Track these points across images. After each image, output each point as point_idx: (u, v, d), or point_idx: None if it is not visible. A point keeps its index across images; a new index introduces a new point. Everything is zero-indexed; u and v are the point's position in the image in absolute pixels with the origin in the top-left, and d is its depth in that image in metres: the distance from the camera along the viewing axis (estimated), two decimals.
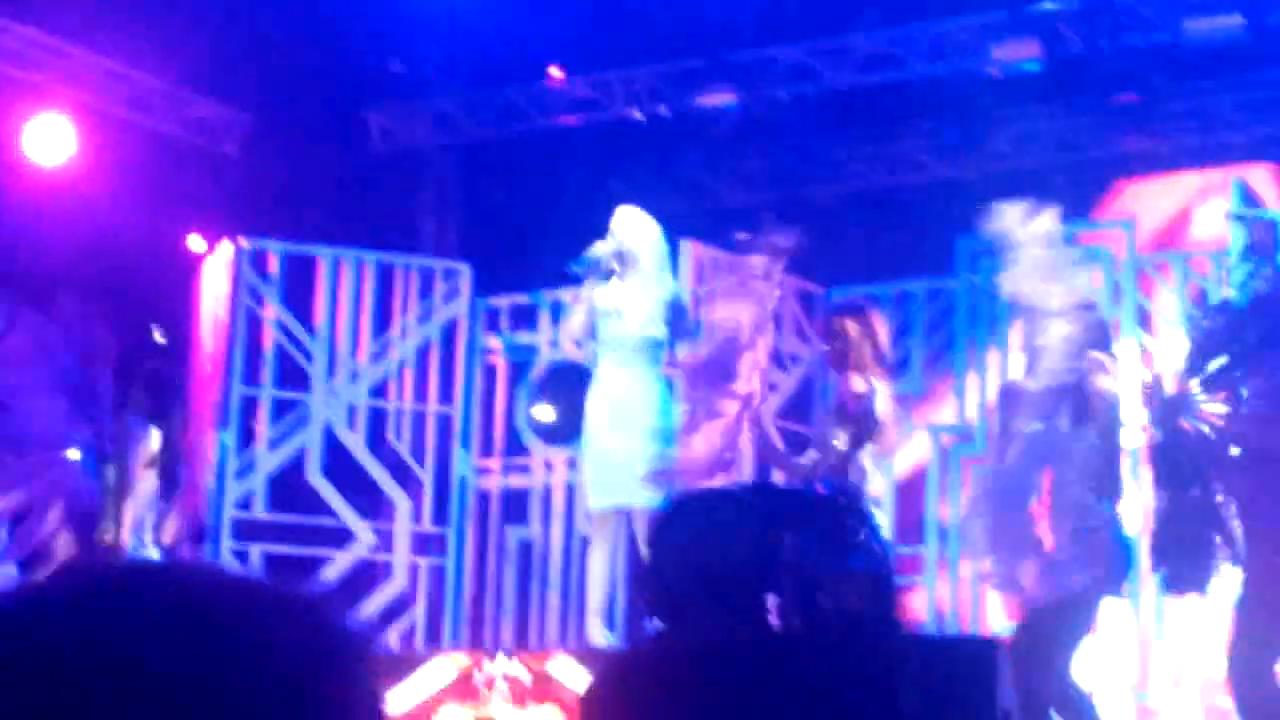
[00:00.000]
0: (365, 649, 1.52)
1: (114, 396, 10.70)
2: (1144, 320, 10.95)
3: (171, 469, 7.51)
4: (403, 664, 9.58)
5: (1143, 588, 9.47)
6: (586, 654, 9.13)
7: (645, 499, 8.87)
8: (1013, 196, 11.99)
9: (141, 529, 7.51)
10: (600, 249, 9.55)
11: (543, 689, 8.66)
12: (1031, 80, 12.34)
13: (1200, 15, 11.49)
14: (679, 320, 9.55)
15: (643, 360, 9.40)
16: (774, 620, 3.65)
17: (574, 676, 8.64)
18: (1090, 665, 10.38)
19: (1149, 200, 12.50)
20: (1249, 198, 10.48)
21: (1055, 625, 7.51)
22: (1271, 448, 7.17)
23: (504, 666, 8.86)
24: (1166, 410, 7.39)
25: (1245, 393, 7.26)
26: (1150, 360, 10.05)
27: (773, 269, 9.69)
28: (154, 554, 7.68)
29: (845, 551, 3.96)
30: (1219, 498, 7.27)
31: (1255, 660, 7.18)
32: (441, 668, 8.97)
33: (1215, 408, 7.32)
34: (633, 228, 9.60)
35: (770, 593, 3.65)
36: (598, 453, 9.47)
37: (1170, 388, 7.54)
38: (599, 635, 9.70)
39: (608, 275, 9.45)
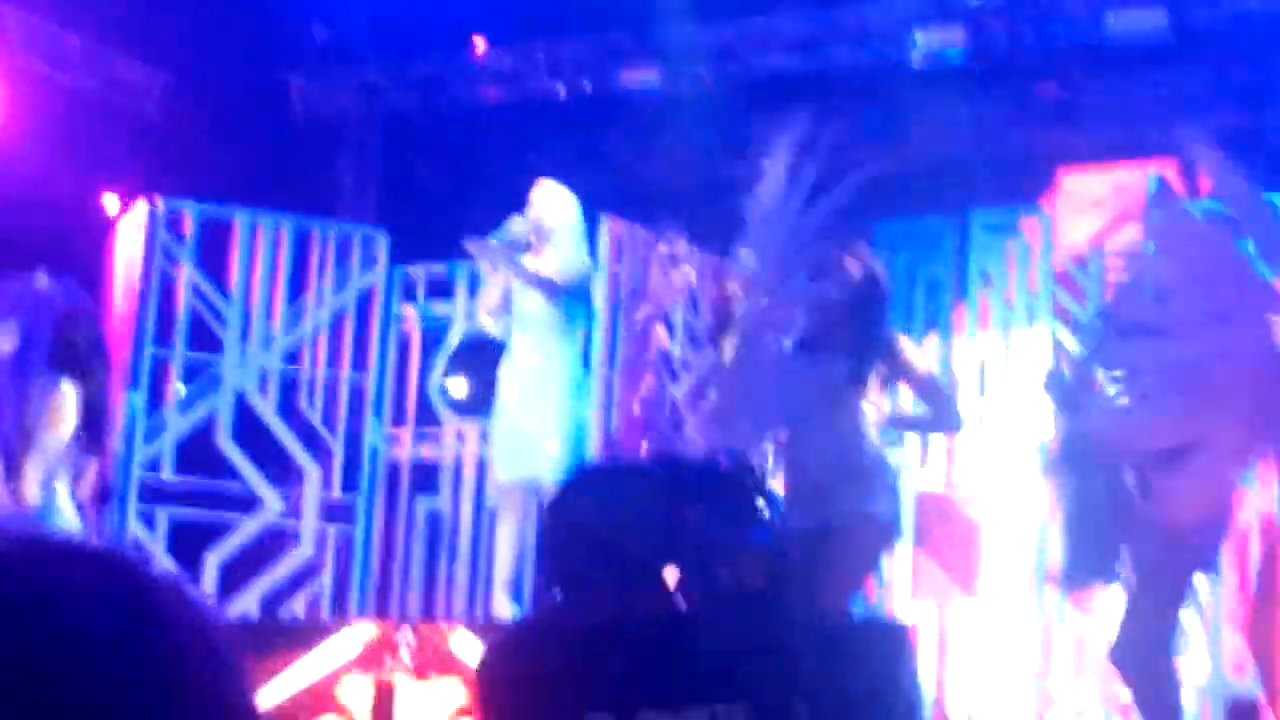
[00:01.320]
0: (225, 634, 1.48)
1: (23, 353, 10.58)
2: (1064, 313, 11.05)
3: (93, 425, 7.44)
4: (310, 633, 9.53)
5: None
6: (487, 627, 9.12)
7: (554, 473, 8.86)
8: (933, 184, 12.09)
9: (51, 485, 7.48)
10: (518, 223, 9.53)
11: (445, 661, 8.64)
12: (955, 70, 12.38)
13: (1124, 9, 11.56)
14: (581, 297, 9.56)
15: (555, 334, 9.39)
16: (674, 594, 3.65)
17: (474, 650, 8.64)
18: (992, 654, 10.46)
19: (1089, 192, 12.56)
20: (1167, 192, 10.54)
21: None
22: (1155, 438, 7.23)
23: (408, 637, 8.84)
24: (1068, 399, 7.43)
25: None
26: (1062, 352, 10.12)
27: (682, 254, 9.74)
28: (68, 510, 7.59)
29: (747, 526, 3.96)
30: (1127, 485, 7.31)
31: (1144, 646, 7.25)
32: (349, 638, 8.94)
33: (1118, 396, 7.37)
34: (551, 203, 9.59)
35: (670, 566, 3.64)
36: (508, 425, 9.47)
37: (1072, 376, 7.59)
38: (505, 608, 9.70)
39: (525, 248, 9.44)
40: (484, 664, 3.78)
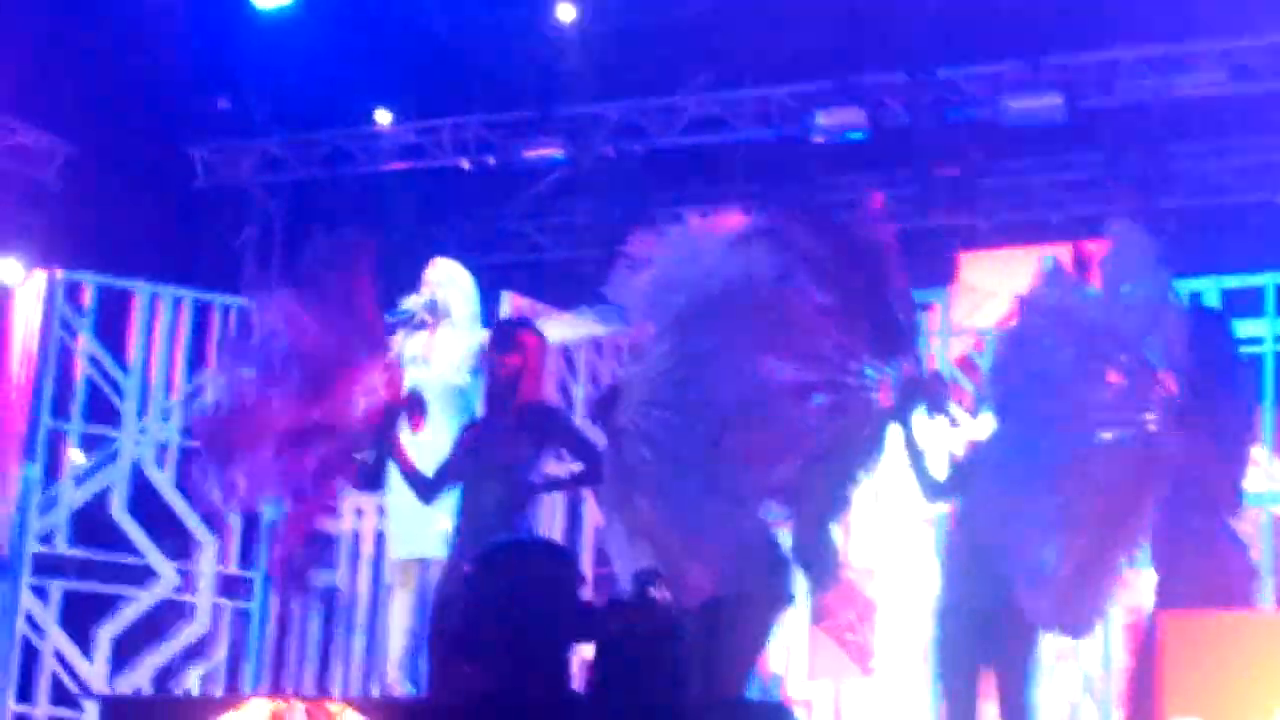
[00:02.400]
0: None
1: None
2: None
3: None
4: (203, 709, 9.45)
5: None
6: (379, 705, 9.07)
7: (442, 550, 8.84)
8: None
9: None
10: (412, 301, 9.53)
11: None
12: (856, 149, 12.50)
13: (1021, 94, 11.70)
14: (475, 374, 9.56)
15: (447, 409, 9.37)
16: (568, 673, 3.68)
17: None
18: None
19: (986, 275, 12.67)
20: (1060, 274, 10.63)
21: None
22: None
23: (298, 716, 8.77)
24: (957, 483, 7.50)
25: None
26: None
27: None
28: None
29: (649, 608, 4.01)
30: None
31: None
32: (242, 716, 8.86)
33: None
34: (446, 279, 9.59)
35: (569, 647, 3.69)
36: (401, 502, 9.43)
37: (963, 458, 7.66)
38: (399, 684, 9.64)
39: (420, 326, 9.43)
40: None
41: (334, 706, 8.85)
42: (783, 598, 7.56)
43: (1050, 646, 10.10)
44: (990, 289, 12.07)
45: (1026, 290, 7.55)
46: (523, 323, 8.48)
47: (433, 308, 9.45)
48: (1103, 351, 7.35)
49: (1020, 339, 7.55)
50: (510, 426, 7.82)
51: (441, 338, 9.44)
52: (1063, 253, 8.41)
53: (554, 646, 3.69)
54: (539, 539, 4.05)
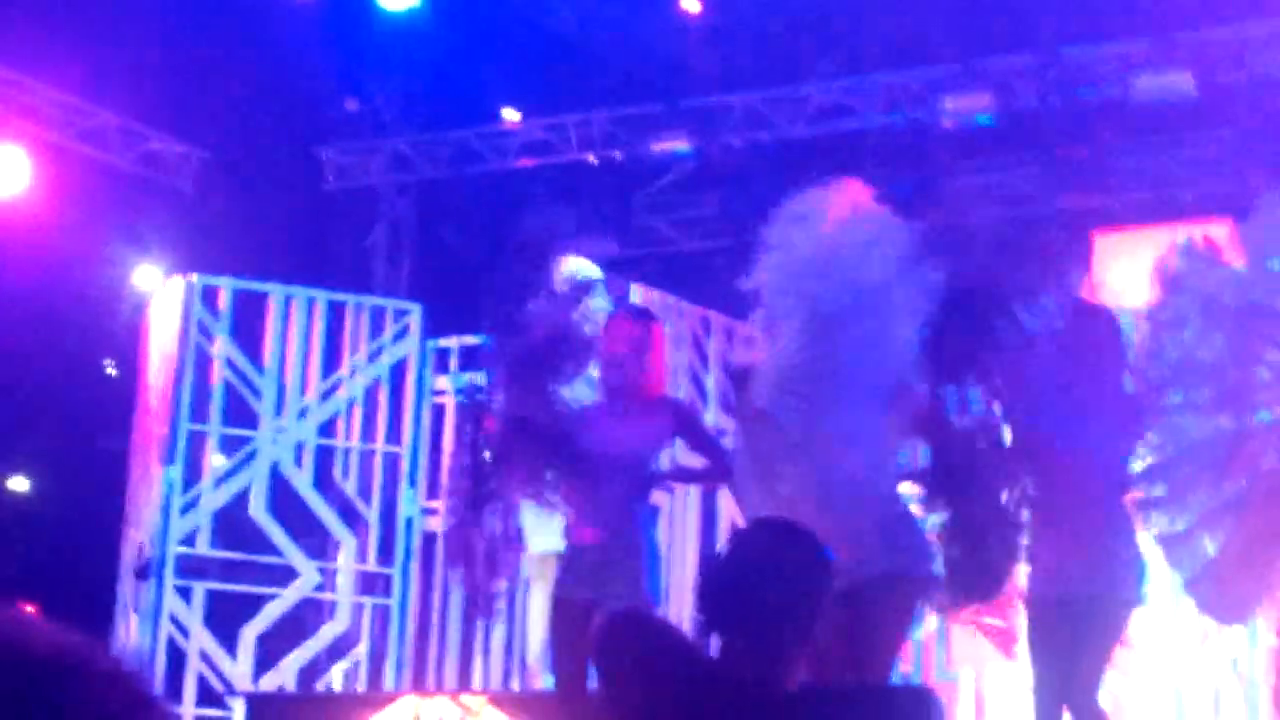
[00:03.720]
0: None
1: None
2: None
3: None
4: (347, 706, 9.56)
5: None
6: (521, 699, 9.13)
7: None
8: (963, 247, 12.08)
9: None
10: None
11: None
12: (984, 133, 12.41)
13: (1150, 72, 11.58)
14: None
15: None
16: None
17: None
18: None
19: (1129, 255, 12.53)
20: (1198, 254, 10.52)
21: None
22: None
23: (444, 710, 8.85)
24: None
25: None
26: None
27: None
28: None
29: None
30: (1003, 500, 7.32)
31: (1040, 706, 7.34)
32: (402, 713, 8.95)
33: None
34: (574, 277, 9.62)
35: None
36: None
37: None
38: (539, 679, 9.69)
39: None
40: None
41: (474, 701, 8.92)
42: (928, 581, 7.49)
43: (1196, 629, 10.04)
44: (1127, 271, 11.95)
45: (1167, 273, 7.45)
46: (637, 312, 8.48)
47: None
48: (1256, 330, 7.24)
49: (1167, 324, 7.45)
50: (633, 416, 7.82)
51: None
52: (1196, 233, 8.30)
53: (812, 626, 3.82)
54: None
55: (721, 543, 11.07)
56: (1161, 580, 8.94)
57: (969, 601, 7.61)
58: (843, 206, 7.26)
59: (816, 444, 7.05)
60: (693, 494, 11.30)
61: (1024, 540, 7.39)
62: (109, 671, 1.48)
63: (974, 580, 7.31)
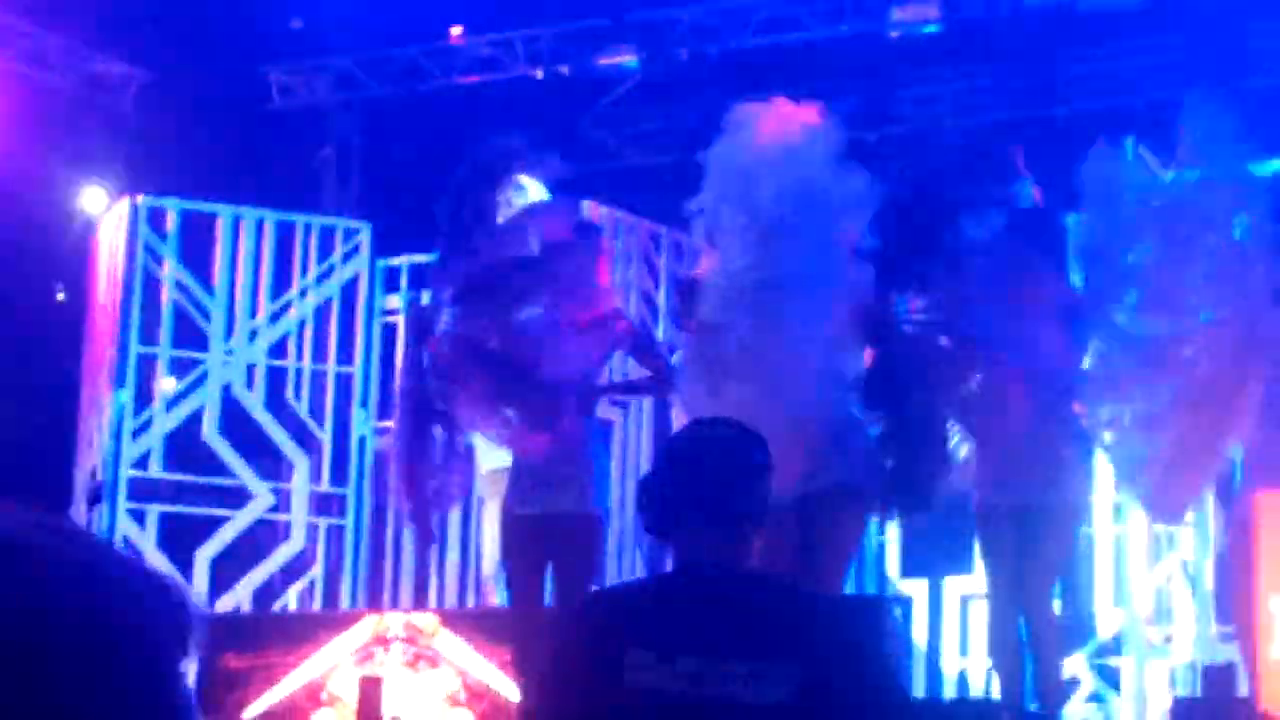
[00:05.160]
0: (189, 625, 1.53)
1: None
2: None
3: None
4: (302, 625, 9.57)
5: None
6: (476, 615, 9.16)
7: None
8: (912, 158, 12.08)
9: None
10: None
11: (434, 653, 8.68)
12: (931, 43, 12.38)
13: None
14: None
15: None
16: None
17: (460, 642, 8.68)
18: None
19: None
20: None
21: None
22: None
23: (398, 628, 8.87)
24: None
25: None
26: None
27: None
28: None
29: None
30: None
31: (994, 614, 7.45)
32: (345, 633, 8.97)
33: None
34: (522, 195, 9.60)
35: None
36: None
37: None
38: (494, 596, 9.71)
39: None
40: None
41: (427, 621, 8.94)
42: (876, 493, 7.51)
43: (1146, 532, 10.11)
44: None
45: (1099, 179, 7.47)
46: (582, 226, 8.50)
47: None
48: (1186, 234, 7.28)
49: (1098, 229, 7.47)
50: (578, 331, 7.83)
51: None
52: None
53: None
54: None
55: None
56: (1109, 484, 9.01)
57: (902, 513, 7.66)
58: (776, 118, 7.27)
59: (765, 354, 7.06)
60: (645, 409, 11.31)
61: (962, 451, 7.42)
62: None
63: (904, 491, 7.35)
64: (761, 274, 7.09)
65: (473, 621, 8.95)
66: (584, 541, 7.66)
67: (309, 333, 12.19)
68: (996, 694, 7.90)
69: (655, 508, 3.88)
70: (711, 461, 3.86)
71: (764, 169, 7.17)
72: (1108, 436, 7.45)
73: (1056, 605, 7.96)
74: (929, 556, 10.90)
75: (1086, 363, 7.51)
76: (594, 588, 7.52)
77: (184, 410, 11.85)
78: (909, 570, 11.10)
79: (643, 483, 4.10)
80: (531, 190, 9.46)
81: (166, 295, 11.85)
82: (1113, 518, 10.29)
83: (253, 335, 12.03)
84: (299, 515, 11.95)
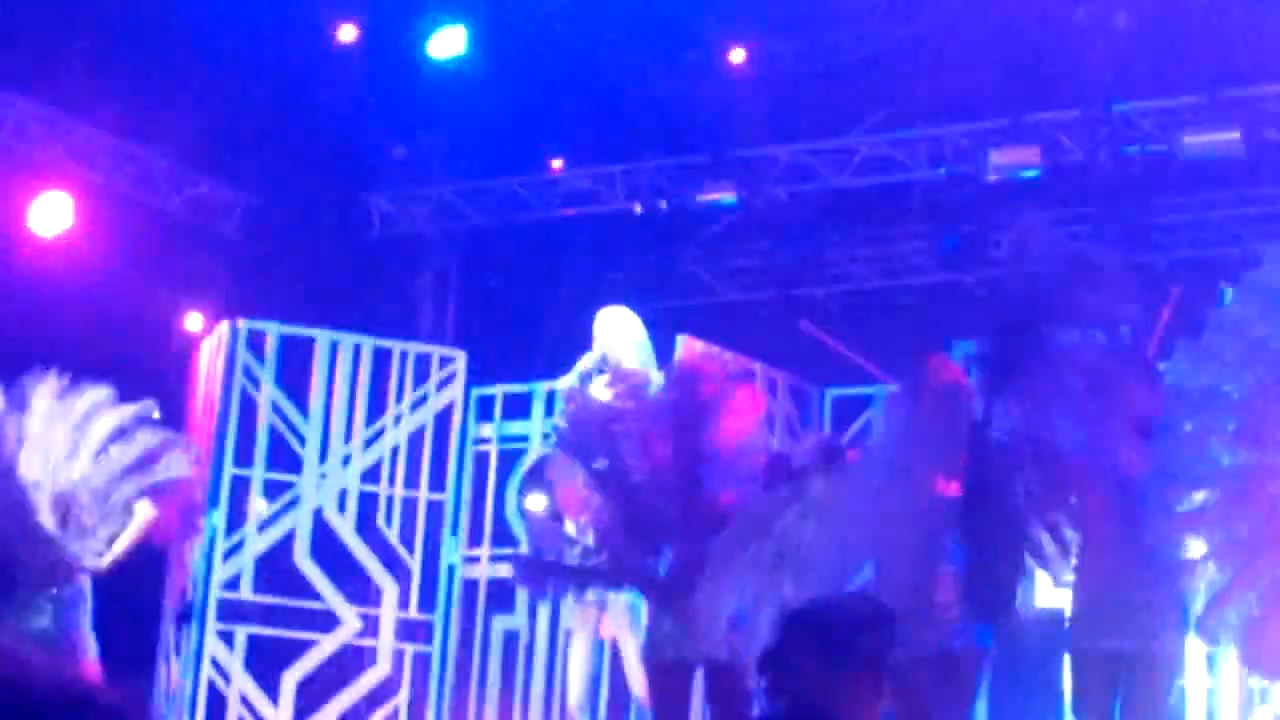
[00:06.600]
0: None
1: None
2: None
3: None
4: None
5: None
6: None
7: (619, 596, 8.90)
8: (1010, 300, 12.05)
9: None
10: (586, 361, 9.63)
11: None
12: (1030, 187, 12.38)
13: (1198, 130, 11.54)
14: None
15: None
16: None
17: None
18: None
19: None
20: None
21: None
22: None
23: None
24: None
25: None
26: None
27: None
28: None
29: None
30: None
31: None
32: None
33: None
34: (613, 330, 9.66)
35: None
36: None
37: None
38: None
39: (598, 376, 9.50)
40: None
41: None
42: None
43: (1241, 685, 9.96)
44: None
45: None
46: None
47: (604, 362, 9.50)
48: None
49: (1203, 354, 7.39)
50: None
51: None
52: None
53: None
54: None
55: None
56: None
57: (980, 613, 7.54)
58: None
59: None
60: None
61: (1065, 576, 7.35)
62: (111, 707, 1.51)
63: (983, 589, 7.26)
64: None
65: None
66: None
67: (402, 459, 12.25)
68: None
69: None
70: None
71: None
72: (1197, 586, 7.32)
73: None
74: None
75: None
76: None
77: (276, 533, 11.90)
78: None
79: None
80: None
81: (262, 418, 11.94)
82: (1206, 669, 10.15)
83: (346, 460, 12.09)
84: (386, 641, 11.96)
